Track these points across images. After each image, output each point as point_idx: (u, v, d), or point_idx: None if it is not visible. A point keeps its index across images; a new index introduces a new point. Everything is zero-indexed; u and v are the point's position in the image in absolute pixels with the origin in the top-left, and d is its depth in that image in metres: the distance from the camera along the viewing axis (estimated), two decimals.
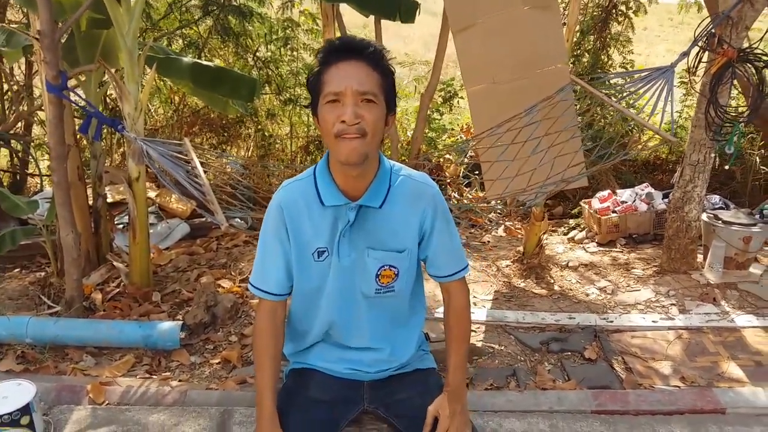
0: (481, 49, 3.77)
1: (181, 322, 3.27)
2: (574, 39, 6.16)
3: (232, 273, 4.28)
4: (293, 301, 1.71)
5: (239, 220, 5.06)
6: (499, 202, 5.57)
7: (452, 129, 6.61)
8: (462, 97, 6.34)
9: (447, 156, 5.99)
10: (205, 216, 3.03)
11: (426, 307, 1.82)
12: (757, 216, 4.52)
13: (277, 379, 1.66)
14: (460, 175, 5.84)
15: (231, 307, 3.59)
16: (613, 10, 6.43)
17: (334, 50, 1.46)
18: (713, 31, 3.41)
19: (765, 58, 3.37)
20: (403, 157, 5.22)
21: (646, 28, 11.07)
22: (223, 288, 3.92)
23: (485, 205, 4.95)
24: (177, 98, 5.89)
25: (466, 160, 5.70)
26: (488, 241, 5.27)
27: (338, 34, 4.20)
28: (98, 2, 3.19)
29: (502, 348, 3.38)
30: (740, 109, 3.71)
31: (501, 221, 5.66)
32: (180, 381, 2.99)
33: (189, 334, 3.34)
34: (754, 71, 3.43)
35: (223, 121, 6.18)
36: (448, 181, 5.86)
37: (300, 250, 1.60)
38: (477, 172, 4.83)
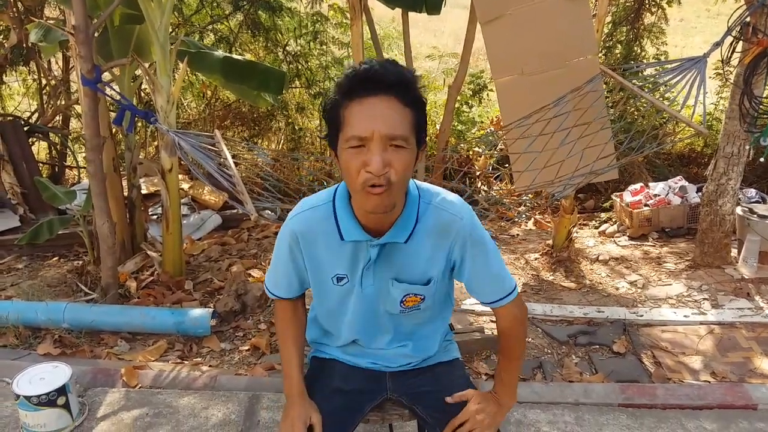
0: (509, 40, 3.74)
1: (212, 310, 3.34)
2: (606, 30, 6.06)
3: (262, 263, 4.35)
4: (318, 308, 1.68)
5: (269, 212, 5.13)
6: (529, 194, 5.53)
7: (482, 122, 6.58)
8: (491, 90, 6.29)
9: (476, 149, 5.97)
10: (236, 206, 3.09)
11: (453, 302, 1.74)
12: None
13: (302, 356, 1.66)
14: (490, 167, 5.81)
15: (260, 296, 3.65)
16: (646, 1, 6.30)
17: (358, 81, 1.24)
18: (747, 20, 3.32)
19: None
20: (432, 151, 5.22)
21: (682, 19, 10.81)
22: (253, 277, 3.99)
23: (514, 197, 4.93)
24: (209, 92, 5.99)
25: (495, 152, 5.67)
26: (518, 234, 5.24)
27: (366, 28, 4.21)
28: None
29: (530, 340, 3.36)
30: None
31: (530, 214, 5.62)
32: (210, 366, 3.06)
33: (220, 321, 3.41)
34: None
35: (254, 115, 6.26)
36: (478, 173, 5.84)
37: (318, 274, 1.54)
38: (506, 165, 4.80)
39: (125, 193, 4.14)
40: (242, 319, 3.54)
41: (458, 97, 6.51)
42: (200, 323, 3.24)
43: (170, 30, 3.75)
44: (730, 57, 3.49)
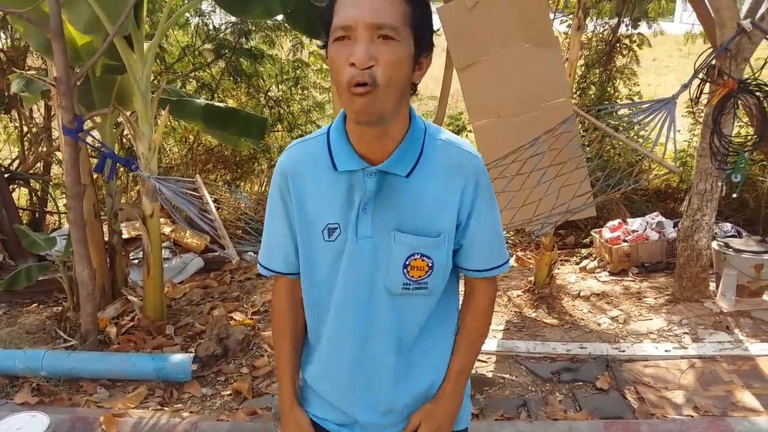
0: (485, 85, 3.86)
1: (192, 355, 3.31)
2: (579, 72, 6.26)
3: (245, 306, 4.33)
4: (305, 292, 1.39)
5: (252, 254, 5.14)
6: (511, 232, 5.60)
7: None
8: (470, 131, 6.42)
9: None
10: (217, 250, 3.10)
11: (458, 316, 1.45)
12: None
13: (297, 359, 1.45)
14: None
15: (242, 340, 3.63)
16: (617, 44, 6.53)
17: None
18: (713, 63, 3.47)
19: (765, 88, 3.42)
20: None
21: (655, 59, 11.17)
22: (236, 320, 3.97)
23: None
24: (191, 137, 6.05)
25: None
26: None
27: None
28: (112, 49, 3.33)
29: (513, 378, 3.37)
30: (746, 138, 3.73)
31: (512, 251, 5.67)
32: (191, 413, 3.02)
33: (201, 366, 3.38)
34: (755, 101, 3.48)
35: (237, 158, 6.32)
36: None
37: (306, 227, 1.29)
38: None
39: (106, 238, 4.13)
40: (224, 363, 3.51)
41: None
42: (181, 368, 3.21)
43: (152, 78, 3.81)
44: (699, 97, 3.62)
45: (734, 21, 3.36)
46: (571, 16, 4.49)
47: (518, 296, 4.46)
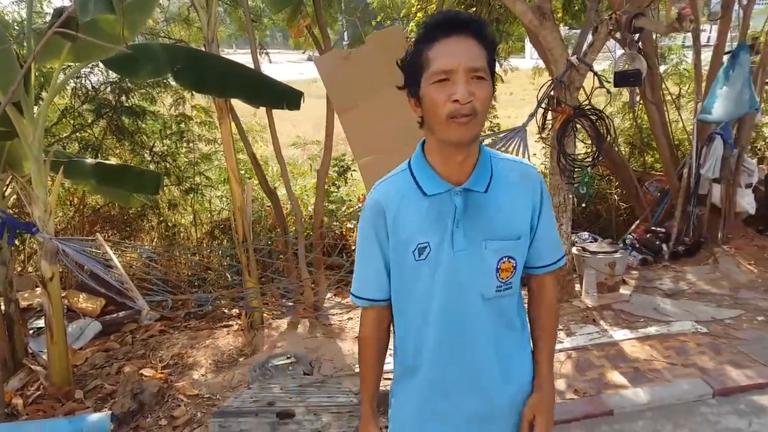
0: (364, 126, 4.25)
1: (109, 413, 3.32)
2: None
3: (153, 361, 4.34)
4: (397, 318, 1.58)
5: (152, 312, 5.14)
6: None
7: (350, 200, 7.06)
8: (355, 170, 6.82)
9: (349, 225, 6.42)
10: (127, 303, 3.19)
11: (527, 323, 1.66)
12: (620, 245, 5.25)
13: (378, 385, 1.64)
14: None
15: (157, 392, 3.67)
16: None
17: (439, 25, 1.36)
18: (552, 93, 4.11)
19: (597, 113, 4.11)
20: (308, 231, 5.56)
21: (512, 93, 12.31)
22: (147, 376, 3.98)
23: None
24: (76, 199, 5.93)
25: None
26: None
27: (233, 125, 4.55)
28: (3, 115, 3.36)
29: None
30: (586, 155, 4.39)
31: None
32: None
33: (118, 424, 3.39)
34: (590, 123, 4.15)
35: (125, 217, 6.26)
36: (353, 248, 6.25)
37: (399, 248, 1.48)
38: None
39: (2, 309, 4.01)
40: (141, 418, 3.53)
41: (326, 179, 7.00)
42: (99, 427, 3.20)
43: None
44: (544, 124, 4.24)
45: (564, 57, 4.02)
46: None
47: None
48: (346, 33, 7.79)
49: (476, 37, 1.35)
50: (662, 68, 7.67)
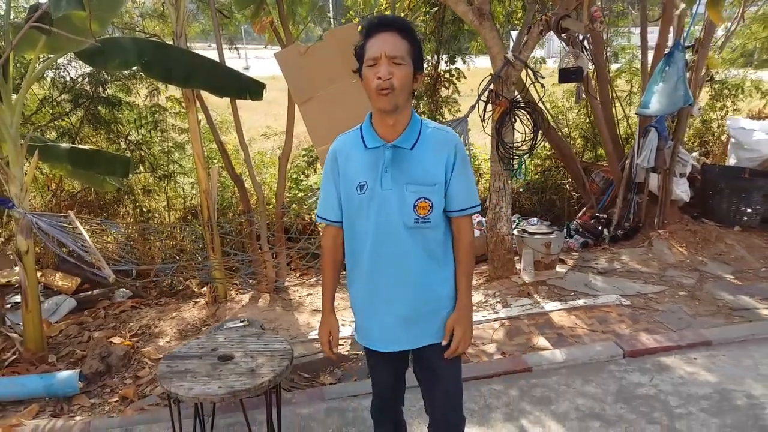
0: (322, 115, 4.60)
1: (78, 370, 3.66)
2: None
3: (122, 332, 4.67)
4: (346, 231, 2.11)
5: (124, 289, 5.48)
6: None
7: (319, 188, 7.41)
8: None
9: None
10: (96, 272, 3.52)
11: (452, 253, 2.14)
12: (564, 230, 5.66)
13: (336, 281, 2.23)
14: None
15: (124, 356, 4.01)
16: (440, 78, 7.68)
17: (374, 26, 1.90)
18: (491, 87, 4.50)
19: (531, 106, 4.50)
20: (271, 215, 5.92)
21: (472, 89, 12.68)
22: (115, 343, 4.32)
23: None
24: (54, 185, 6.23)
25: None
26: None
27: (201, 115, 4.90)
28: None
29: (364, 354, 4.06)
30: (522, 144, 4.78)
31: None
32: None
33: (87, 383, 3.73)
34: (526, 114, 4.54)
35: (101, 202, 6.56)
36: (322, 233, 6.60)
37: (347, 185, 2.02)
38: None
39: None
40: (108, 378, 3.87)
41: (295, 168, 7.36)
42: (69, 383, 3.56)
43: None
44: (484, 115, 4.63)
45: (501, 55, 4.41)
46: None
47: None
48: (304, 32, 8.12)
49: (399, 32, 1.87)
50: (615, 66, 8.12)
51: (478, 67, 8.49)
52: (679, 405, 3.32)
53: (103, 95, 6.08)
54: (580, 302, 4.60)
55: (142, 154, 6.46)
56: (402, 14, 6.75)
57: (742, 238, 5.89)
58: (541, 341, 4.10)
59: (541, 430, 3.15)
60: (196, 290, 5.58)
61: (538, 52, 9.54)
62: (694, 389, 3.47)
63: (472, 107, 4.39)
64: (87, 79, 5.92)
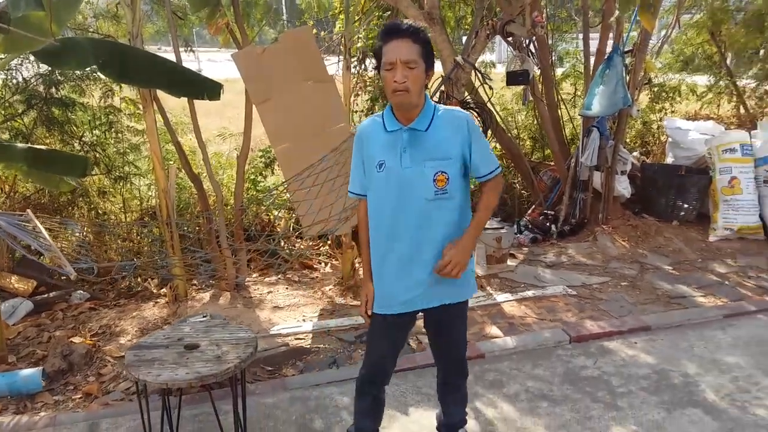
0: (279, 115, 4.72)
1: (41, 368, 3.68)
2: (367, 106, 7.44)
3: (82, 332, 4.68)
4: (369, 215, 2.44)
5: (81, 292, 5.46)
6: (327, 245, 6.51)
7: (276, 189, 7.49)
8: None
9: (278, 214, 6.88)
10: (57, 270, 3.55)
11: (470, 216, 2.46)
12: (514, 227, 5.92)
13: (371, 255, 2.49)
14: (291, 228, 6.72)
15: (86, 354, 4.04)
16: None
17: (387, 32, 2.20)
18: (442, 89, 4.71)
19: (480, 106, 4.73)
20: (229, 216, 5.99)
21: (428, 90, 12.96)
22: (76, 342, 4.33)
23: (315, 249, 5.87)
24: (7, 187, 6.14)
25: (294, 215, 6.60)
26: (317, 277, 6.13)
27: (158, 116, 4.94)
28: None
29: (326, 346, 4.21)
30: None
31: (328, 260, 6.57)
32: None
33: (49, 381, 3.74)
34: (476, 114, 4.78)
35: (55, 205, 6.49)
36: (281, 235, 6.69)
37: (369, 162, 2.36)
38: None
39: None
40: (70, 376, 3.90)
41: (252, 169, 7.42)
42: (32, 380, 3.58)
43: None
44: None
45: (451, 58, 4.63)
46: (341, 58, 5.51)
47: (330, 289, 5.34)
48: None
49: (410, 38, 2.16)
50: (560, 70, 8.48)
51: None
52: (621, 385, 3.58)
53: (57, 96, 6.03)
54: (529, 293, 4.85)
55: (97, 155, 6.41)
56: (355, 18, 6.89)
57: (680, 232, 6.29)
58: (493, 330, 4.33)
59: (494, 411, 3.36)
60: (155, 291, 5.59)
61: (488, 57, 9.87)
62: (635, 370, 3.74)
63: None
64: (40, 80, 5.86)
